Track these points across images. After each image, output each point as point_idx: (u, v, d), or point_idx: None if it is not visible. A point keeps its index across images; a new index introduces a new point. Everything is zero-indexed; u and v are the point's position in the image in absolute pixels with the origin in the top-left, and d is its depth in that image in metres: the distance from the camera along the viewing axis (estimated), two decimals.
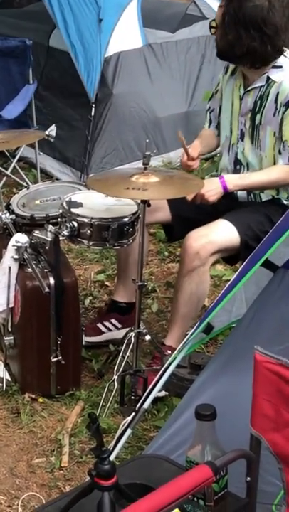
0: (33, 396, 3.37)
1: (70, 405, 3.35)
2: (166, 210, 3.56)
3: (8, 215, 3.49)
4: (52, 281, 3.27)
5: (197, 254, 3.27)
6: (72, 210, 3.26)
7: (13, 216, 3.48)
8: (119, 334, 3.50)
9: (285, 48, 3.36)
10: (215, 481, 1.95)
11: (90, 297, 4.20)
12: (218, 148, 3.72)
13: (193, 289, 3.32)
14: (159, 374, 2.70)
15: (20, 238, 3.33)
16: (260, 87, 3.37)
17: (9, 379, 3.47)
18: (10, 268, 3.32)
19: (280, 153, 3.33)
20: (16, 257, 3.31)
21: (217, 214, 3.41)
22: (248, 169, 3.48)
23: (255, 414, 1.97)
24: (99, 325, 3.75)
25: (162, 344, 3.43)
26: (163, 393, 3.21)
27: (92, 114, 5.49)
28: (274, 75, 3.34)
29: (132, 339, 3.29)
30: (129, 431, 2.73)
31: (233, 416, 2.23)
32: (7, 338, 3.45)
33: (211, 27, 3.39)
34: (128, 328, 3.37)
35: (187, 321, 3.38)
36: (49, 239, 3.27)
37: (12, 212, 3.50)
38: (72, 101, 5.71)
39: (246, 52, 3.28)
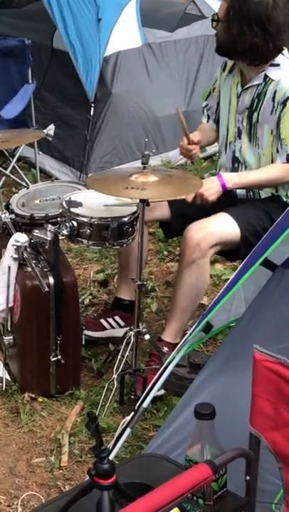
0: (33, 395, 3.37)
1: (69, 405, 3.35)
2: (164, 208, 3.57)
3: (7, 214, 3.49)
4: (51, 280, 3.27)
5: (198, 245, 3.27)
6: (72, 209, 3.26)
7: (13, 216, 3.49)
8: (121, 332, 3.50)
9: (284, 48, 3.36)
10: (214, 480, 1.95)
11: (90, 296, 4.20)
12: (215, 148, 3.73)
13: (193, 280, 3.32)
14: (158, 373, 2.70)
15: (19, 238, 3.33)
16: (258, 85, 3.37)
17: (9, 378, 3.47)
18: (9, 267, 3.32)
19: (277, 151, 3.34)
20: (16, 256, 3.31)
21: (216, 211, 3.41)
22: (245, 167, 3.48)
23: (254, 413, 1.97)
24: (102, 321, 3.75)
25: (159, 340, 3.42)
26: (162, 392, 3.21)
27: (92, 113, 5.50)
28: (272, 73, 3.34)
29: (132, 338, 3.29)
30: (128, 430, 2.73)
31: (232, 415, 2.23)
32: (6, 337, 3.45)
33: (213, 20, 3.39)
34: (128, 328, 3.37)
35: (185, 315, 3.38)
36: (49, 238, 3.27)
37: (12, 211, 3.51)
38: (72, 100, 5.72)
39: (248, 49, 3.28)
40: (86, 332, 3.64)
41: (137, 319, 3.29)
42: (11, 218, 3.48)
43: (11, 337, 3.44)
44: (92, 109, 5.50)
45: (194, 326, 2.67)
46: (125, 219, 3.26)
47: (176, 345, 3.03)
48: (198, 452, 2.06)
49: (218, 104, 3.62)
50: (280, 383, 1.88)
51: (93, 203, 3.32)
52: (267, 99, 3.34)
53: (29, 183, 5.02)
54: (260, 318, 2.60)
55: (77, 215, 3.24)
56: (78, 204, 3.29)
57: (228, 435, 2.07)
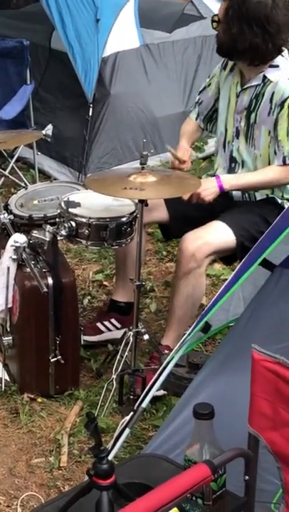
0: (32, 396, 3.37)
1: (68, 405, 3.35)
2: (163, 209, 3.57)
3: (6, 215, 3.49)
4: (50, 281, 3.27)
5: (193, 256, 3.27)
6: (70, 210, 3.26)
7: (12, 216, 3.49)
8: (119, 334, 3.50)
9: (283, 48, 3.36)
10: (213, 480, 1.96)
11: (89, 297, 4.20)
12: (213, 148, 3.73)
13: (189, 291, 3.33)
14: (157, 373, 2.70)
15: (18, 238, 3.33)
16: (256, 85, 3.38)
17: (8, 379, 3.48)
18: (8, 268, 3.33)
19: (275, 153, 3.34)
20: (15, 257, 3.32)
21: (213, 212, 3.41)
22: (242, 167, 3.49)
23: (253, 413, 1.97)
24: (98, 324, 3.75)
25: (159, 344, 3.43)
26: (161, 392, 3.22)
27: (90, 114, 5.50)
28: (270, 74, 3.35)
29: (131, 339, 3.29)
30: (127, 430, 2.73)
31: (231, 415, 2.23)
32: (6, 338, 3.45)
33: (213, 21, 3.39)
34: (126, 328, 3.37)
35: (183, 324, 3.39)
36: (47, 239, 3.27)
37: (10, 212, 3.51)
38: (70, 101, 5.72)
39: (248, 48, 3.27)
40: (84, 337, 3.64)
41: (136, 319, 3.30)
42: (9, 219, 3.48)
43: (10, 338, 3.44)
44: (91, 109, 5.50)
45: (193, 326, 2.67)
46: (124, 219, 3.26)
47: None
48: (197, 452, 2.06)
49: (215, 101, 3.61)
50: (278, 383, 1.89)
51: (92, 203, 3.32)
52: (265, 100, 3.34)
53: (28, 184, 5.01)
54: (259, 318, 2.60)
55: (76, 215, 3.24)
56: (77, 204, 3.29)
57: (227, 435, 2.07)
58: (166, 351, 3.33)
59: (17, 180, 5.40)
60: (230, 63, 3.53)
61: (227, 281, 2.61)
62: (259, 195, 3.50)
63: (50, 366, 3.35)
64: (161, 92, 5.80)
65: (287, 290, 2.60)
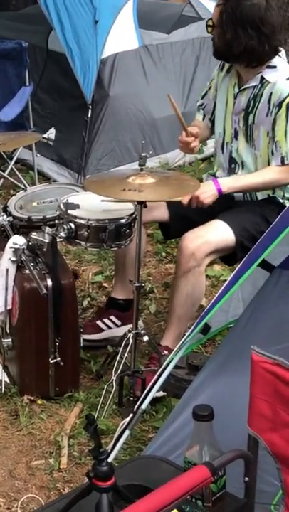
0: (32, 398, 3.37)
1: (68, 407, 3.35)
2: (163, 209, 3.57)
3: (5, 217, 3.49)
4: (50, 282, 3.27)
5: (193, 255, 3.28)
6: (70, 211, 3.26)
7: (11, 218, 3.49)
8: (119, 331, 3.50)
9: (280, 48, 3.37)
10: (213, 482, 1.96)
11: (88, 298, 4.20)
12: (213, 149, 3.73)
13: (189, 290, 3.33)
14: (156, 375, 2.70)
15: (17, 240, 3.33)
16: (254, 86, 3.38)
17: (8, 381, 3.47)
18: (7, 270, 3.33)
19: (272, 153, 3.34)
20: (14, 259, 3.32)
21: (213, 212, 3.42)
22: (242, 168, 3.48)
23: (252, 414, 1.97)
24: (98, 322, 3.75)
25: (159, 344, 3.43)
26: (161, 393, 3.21)
27: (89, 115, 5.50)
28: (268, 75, 3.35)
29: (130, 340, 3.29)
30: (127, 432, 2.73)
31: (230, 416, 2.23)
32: (5, 340, 3.45)
33: (208, 25, 3.39)
34: (128, 326, 3.37)
35: (183, 323, 3.39)
36: (46, 241, 3.28)
37: (9, 214, 3.51)
38: (69, 103, 5.72)
39: (244, 51, 3.28)
40: (84, 336, 3.64)
41: (135, 321, 3.30)
42: (8, 221, 3.48)
43: (10, 339, 3.44)
44: (90, 111, 5.51)
45: (192, 327, 2.67)
46: (123, 220, 3.26)
47: None
48: (196, 454, 2.06)
49: (215, 103, 3.62)
50: (277, 384, 1.89)
51: (91, 205, 3.32)
52: (263, 101, 3.34)
53: (27, 186, 5.02)
54: (258, 319, 2.60)
55: (75, 217, 3.24)
56: (76, 206, 3.30)
57: (226, 436, 2.07)
58: (165, 352, 3.33)
59: (16, 182, 5.40)
60: (227, 65, 3.53)
61: (226, 282, 2.61)
62: (260, 195, 3.49)
63: (49, 368, 3.35)
64: (160, 93, 5.78)
65: (287, 291, 2.61)
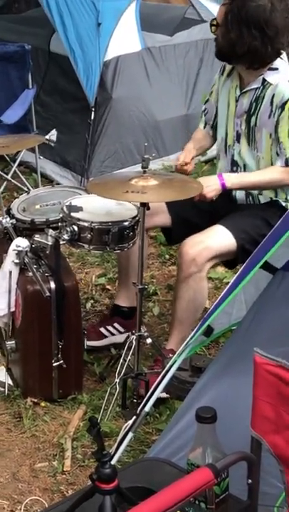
0: (35, 400, 3.37)
1: (72, 409, 3.35)
2: (165, 214, 3.57)
3: (8, 219, 3.50)
4: (53, 285, 3.27)
5: (193, 260, 3.27)
6: (73, 214, 3.27)
7: (14, 221, 3.49)
8: (122, 338, 3.50)
9: (282, 51, 3.37)
10: (216, 484, 1.95)
11: (92, 301, 4.20)
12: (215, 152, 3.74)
13: (190, 296, 3.33)
14: (160, 377, 2.70)
15: (20, 243, 3.33)
16: (256, 88, 3.38)
17: (11, 383, 3.48)
18: (11, 272, 3.33)
19: (277, 154, 3.34)
20: (17, 261, 3.32)
21: (216, 216, 3.42)
22: (244, 171, 3.48)
23: (255, 416, 1.97)
24: (102, 329, 3.75)
25: (163, 348, 3.43)
26: (164, 395, 3.21)
27: (92, 118, 5.51)
28: (270, 77, 3.35)
29: (134, 342, 3.29)
30: (130, 434, 2.73)
31: (234, 418, 2.23)
32: (8, 342, 3.45)
33: (211, 25, 3.40)
34: (129, 332, 3.37)
35: (186, 327, 3.38)
36: (49, 243, 3.28)
37: (12, 216, 3.51)
38: (72, 105, 5.73)
39: (247, 51, 3.28)
40: (87, 342, 3.64)
41: (138, 323, 3.30)
42: (11, 223, 3.49)
43: (13, 342, 3.45)
44: (93, 113, 5.51)
45: (195, 329, 2.67)
46: (126, 223, 3.27)
47: None
48: (199, 456, 2.06)
49: (217, 108, 3.62)
50: (280, 386, 1.89)
51: (94, 207, 3.33)
52: (265, 103, 3.35)
53: (30, 188, 5.03)
54: (261, 321, 2.60)
55: (78, 219, 3.25)
56: (79, 209, 3.30)
57: (229, 438, 2.07)
58: (170, 355, 3.33)
59: (19, 185, 5.41)
60: (228, 68, 3.53)
61: (229, 285, 2.61)
62: (263, 199, 3.49)
63: (53, 370, 3.35)
64: (163, 96, 5.81)
65: None
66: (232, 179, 3.38)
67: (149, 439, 3.14)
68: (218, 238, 3.32)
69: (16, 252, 3.31)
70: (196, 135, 3.75)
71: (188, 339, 2.69)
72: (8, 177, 5.34)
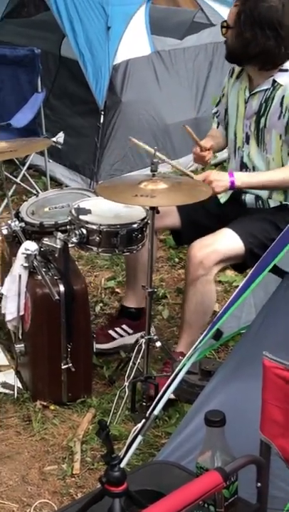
0: (45, 403, 3.37)
1: (81, 412, 3.35)
2: (175, 215, 3.57)
3: (17, 222, 3.50)
4: (62, 288, 3.27)
5: (201, 263, 3.27)
6: (81, 217, 3.27)
7: (23, 224, 3.50)
8: (131, 340, 3.50)
9: None
10: (225, 487, 1.96)
11: (101, 304, 4.21)
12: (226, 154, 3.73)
13: (198, 299, 3.33)
14: (169, 380, 2.70)
15: (29, 246, 3.34)
16: (266, 90, 3.38)
17: (20, 386, 3.48)
18: (20, 276, 3.33)
19: (288, 154, 3.34)
20: (26, 264, 3.32)
21: (225, 220, 3.41)
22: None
23: (264, 420, 1.97)
24: (110, 331, 3.75)
25: (173, 351, 3.43)
26: (172, 396, 3.20)
27: (101, 121, 5.51)
28: (280, 78, 3.35)
29: (143, 346, 3.29)
30: (140, 437, 2.73)
31: (243, 422, 2.23)
32: (18, 345, 3.46)
33: (222, 27, 3.40)
34: (139, 333, 3.37)
35: (195, 330, 3.38)
36: (58, 246, 3.28)
37: (21, 220, 3.52)
38: (81, 108, 5.74)
39: (260, 52, 3.28)
40: (96, 346, 3.64)
41: (148, 326, 3.29)
42: (20, 226, 3.49)
43: (23, 345, 3.45)
44: (102, 117, 5.52)
45: (204, 333, 2.67)
46: (134, 225, 3.27)
47: None
48: (208, 459, 2.06)
49: (227, 109, 3.62)
50: None
51: (102, 210, 3.33)
52: (275, 104, 3.34)
53: (39, 191, 5.03)
54: (270, 325, 2.60)
55: (87, 222, 3.25)
56: (87, 211, 3.30)
57: (238, 442, 2.07)
58: (180, 358, 3.33)
59: (29, 188, 5.42)
60: (237, 70, 3.53)
61: (238, 288, 2.61)
62: (272, 203, 3.49)
63: (62, 373, 3.35)
64: (173, 99, 5.81)
65: None
66: (243, 178, 3.37)
67: (158, 442, 3.14)
68: (226, 242, 3.32)
69: (25, 255, 3.32)
70: (211, 132, 3.74)
71: (197, 343, 2.69)
72: (18, 180, 5.35)
